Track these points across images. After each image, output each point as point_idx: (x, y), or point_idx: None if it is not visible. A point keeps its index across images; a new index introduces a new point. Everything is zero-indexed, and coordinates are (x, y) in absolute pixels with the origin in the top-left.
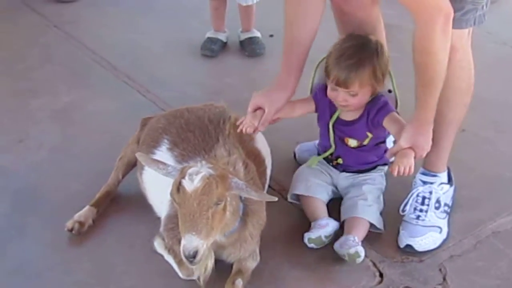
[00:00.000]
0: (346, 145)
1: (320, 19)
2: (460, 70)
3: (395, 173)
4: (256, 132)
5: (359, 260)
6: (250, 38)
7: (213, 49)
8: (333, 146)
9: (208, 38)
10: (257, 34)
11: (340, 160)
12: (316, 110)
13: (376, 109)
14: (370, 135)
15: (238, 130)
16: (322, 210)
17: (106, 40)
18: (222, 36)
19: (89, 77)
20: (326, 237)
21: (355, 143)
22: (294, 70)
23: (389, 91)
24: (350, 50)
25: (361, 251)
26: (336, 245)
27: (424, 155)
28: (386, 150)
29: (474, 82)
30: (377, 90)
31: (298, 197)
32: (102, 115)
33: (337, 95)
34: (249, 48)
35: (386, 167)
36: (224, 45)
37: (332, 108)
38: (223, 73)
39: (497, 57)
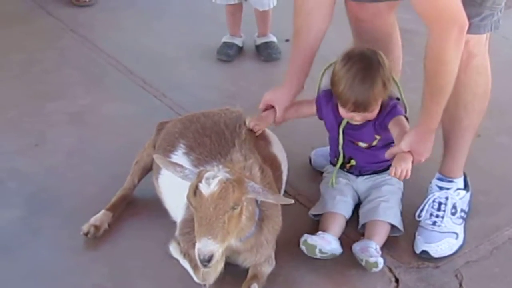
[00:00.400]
0: (357, 145)
1: (326, 29)
2: (477, 75)
3: (392, 174)
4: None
5: (376, 270)
6: (266, 42)
7: (229, 53)
8: (341, 153)
9: (224, 42)
10: (273, 38)
11: (353, 162)
12: (319, 115)
13: (385, 112)
14: (378, 137)
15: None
16: (336, 228)
17: (121, 44)
18: (238, 41)
19: (104, 81)
20: (321, 252)
21: (364, 145)
22: (300, 72)
23: (397, 99)
24: (359, 75)
25: (381, 263)
26: (356, 248)
27: (423, 160)
28: None
29: (491, 87)
30: (387, 95)
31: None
32: (118, 119)
33: (354, 116)
34: (265, 52)
35: None
36: (240, 49)
37: (338, 115)
38: (239, 78)
39: None
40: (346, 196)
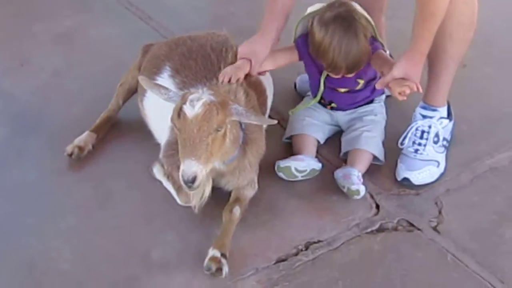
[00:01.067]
0: (337, 91)
1: None
2: (463, 5)
3: (406, 93)
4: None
5: (357, 197)
6: None
7: None
8: (318, 97)
9: None
10: None
11: (333, 104)
12: (300, 59)
13: None
14: (361, 81)
15: (220, 80)
16: (309, 148)
17: None
18: None
19: (92, 3)
20: (298, 170)
21: (345, 89)
22: (277, 19)
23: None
24: (344, 41)
25: (362, 190)
26: (338, 174)
27: (414, 89)
28: None
29: (478, 19)
30: None
31: (292, 137)
32: (104, 40)
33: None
34: None
35: (383, 96)
36: None
37: (319, 65)
38: (226, 2)
39: None
40: (316, 119)
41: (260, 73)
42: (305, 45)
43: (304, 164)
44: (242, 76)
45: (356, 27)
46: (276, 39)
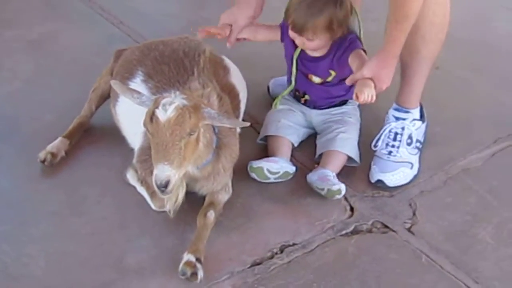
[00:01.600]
0: (310, 81)
1: None
2: (435, 5)
3: (359, 100)
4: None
5: (338, 197)
6: None
7: None
8: (293, 83)
9: None
10: None
11: (307, 97)
12: (282, 40)
13: (344, 48)
14: (333, 73)
15: (204, 34)
16: (283, 150)
17: None
18: None
19: (64, 9)
20: (270, 172)
21: (318, 80)
22: None
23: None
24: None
25: (343, 189)
26: (313, 178)
27: (384, 88)
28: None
29: (451, 21)
30: (336, 36)
31: (266, 138)
32: (76, 46)
33: (295, 37)
34: None
35: None
36: None
37: (294, 43)
38: (199, 7)
39: None
40: (291, 121)
41: (238, 40)
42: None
43: (277, 166)
44: (226, 34)
45: (329, 5)
46: (258, 12)
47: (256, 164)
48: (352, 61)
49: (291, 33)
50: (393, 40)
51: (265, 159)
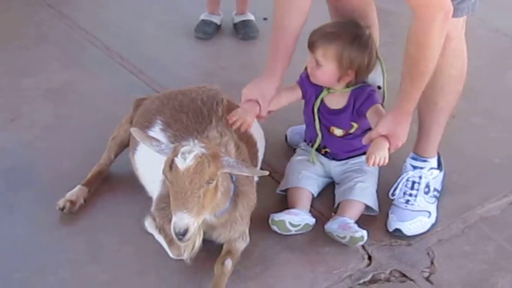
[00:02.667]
0: (332, 134)
1: (309, 9)
2: (453, 58)
3: (370, 163)
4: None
5: (361, 243)
6: (244, 21)
7: (207, 31)
8: (320, 135)
9: (202, 20)
10: (251, 17)
11: (327, 149)
12: (303, 97)
13: (362, 99)
14: (355, 125)
15: (234, 127)
16: (303, 202)
17: (99, 20)
18: (216, 19)
19: (82, 57)
20: (292, 225)
21: (340, 132)
22: (282, 58)
23: (379, 87)
24: (337, 24)
25: (366, 236)
26: (333, 226)
27: (399, 145)
28: None
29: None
30: (343, 78)
31: (287, 189)
32: (95, 95)
33: (308, 60)
34: (243, 31)
35: None
36: (218, 27)
37: (318, 91)
38: (216, 56)
39: (489, 44)
40: (312, 172)
41: (268, 113)
42: (308, 79)
43: (298, 219)
44: (251, 120)
45: (347, 40)
46: (281, 79)
47: (278, 217)
48: (370, 117)
49: (308, 57)
50: (408, 97)
51: (286, 211)
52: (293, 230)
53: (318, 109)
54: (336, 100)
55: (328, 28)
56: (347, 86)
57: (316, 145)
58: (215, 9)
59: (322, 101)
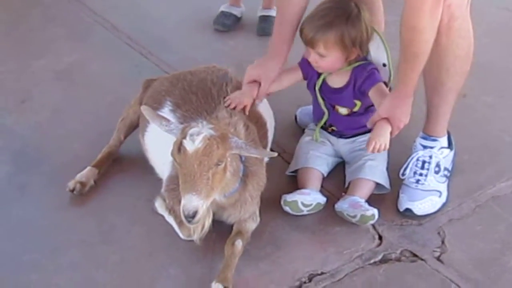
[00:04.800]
0: (337, 112)
1: None
2: (459, 38)
3: (370, 150)
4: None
5: (371, 222)
6: (265, 16)
7: (226, 23)
8: (326, 112)
9: (222, 12)
10: (275, 14)
11: (334, 127)
12: (305, 78)
13: (364, 77)
14: (359, 102)
15: (226, 105)
16: (313, 182)
17: (108, 1)
18: (236, 11)
19: (91, 38)
20: (304, 205)
21: (345, 111)
22: (286, 39)
23: (384, 64)
24: (323, 11)
25: (377, 214)
26: (343, 205)
27: (402, 127)
28: None
29: (475, 48)
30: (350, 57)
31: (297, 170)
32: (104, 76)
33: (309, 55)
34: (260, 26)
35: None
36: (238, 20)
37: (318, 73)
38: (225, 36)
39: (498, 22)
40: (320, 151)
41: (265, 96)
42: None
43: (310, 198)
44: (248, 103)
45: (342, 21)
46: (285, 59)
47: (290, 197)
48: (373, 97)
49: (306, 52)
50: (405, 79)
51: (298, 191)
52: (305, 210)
53: (320, 89)
54: (338, 79)
55: (318, 20)
56: (349, 64)
57: (321, 123)
58: (236, 0)
59: (324, 80)
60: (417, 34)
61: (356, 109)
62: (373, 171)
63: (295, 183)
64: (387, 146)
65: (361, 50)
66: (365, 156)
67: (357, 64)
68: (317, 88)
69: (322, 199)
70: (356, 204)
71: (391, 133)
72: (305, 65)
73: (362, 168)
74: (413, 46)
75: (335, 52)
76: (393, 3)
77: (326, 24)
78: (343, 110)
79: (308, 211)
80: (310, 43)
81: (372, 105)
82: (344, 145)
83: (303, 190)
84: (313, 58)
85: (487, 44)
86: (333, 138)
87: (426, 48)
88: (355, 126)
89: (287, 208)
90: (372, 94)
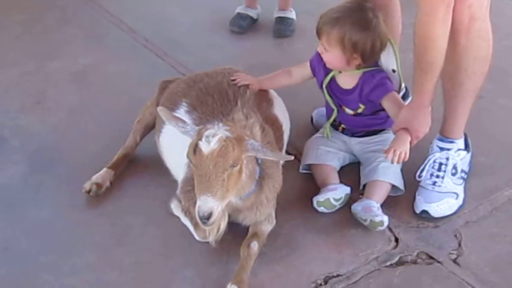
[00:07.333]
0: (344, 111)
1: None
2: (478, 39)
3: (388, 157)
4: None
5: (381, 229)
6: (282, 18)
7: (242, 25)
8: (335, 108)
9: (238, 13)
10: (290, 15)
11: (343, 125)
12: (314, 75)
13: (372, 85)
14: (362, 106)
15: (233, 81)
16: (332, 176)
17: (124, 3)
18: (252, 13)
19: (107, 40)
20: (336, 200)
21: (350, 111)
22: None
23: (393, 70)
24: (340, 8)
25: (386, 221)
26: (357, 208)
27: (421, 136)
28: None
29: (494, 50)
30: (351, 62)
31: (309, 167)
32: (120, 77)
33: (319, 46)
34: (276, 27)
35: None
36: (254, 22)
37: (327, 69)
38: (241, 37)
39: None
40: (330, 146)
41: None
42: (319, 57)
43: (339, 192)
44: (254, 83)
45: (352, 23)
46: None
47: (322, 197)
48: (388, 107)
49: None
50: (420, 90)
51: (325, 189)
52: (337, 205)
53: (329, 87)
54: (347, 80)
55: (332, 13)
56: (358, 68)
57: (332, 119)
58: (252, 2)
59: (333, 79)
60: (431, 42)
61: (359, 111)
62: (387, 172)
63: (310, 183)
64: (407, 156)
65: (363, 59)
66: (378, 157)
67: (366, 69)
68: (324, 86)
69: (348, 190)
70: (367, 208)
71: (410, 142)
72: (313, 62)
73: (376, 169)
74: (428, 55)
75: (335, 50)
76: (410, 4)
77: (334, 20)
78: (348, 111)
79: (339, 204)
80: (318, 32)
81: (378, 110)
82: (356, 145)
83: (329, 187)
84: (320, 47)
85: (506, 46)
86: (345, 137)
87: (440, 56)
88: (362, 124)
89: (322, 209)
90: (385, 104)
